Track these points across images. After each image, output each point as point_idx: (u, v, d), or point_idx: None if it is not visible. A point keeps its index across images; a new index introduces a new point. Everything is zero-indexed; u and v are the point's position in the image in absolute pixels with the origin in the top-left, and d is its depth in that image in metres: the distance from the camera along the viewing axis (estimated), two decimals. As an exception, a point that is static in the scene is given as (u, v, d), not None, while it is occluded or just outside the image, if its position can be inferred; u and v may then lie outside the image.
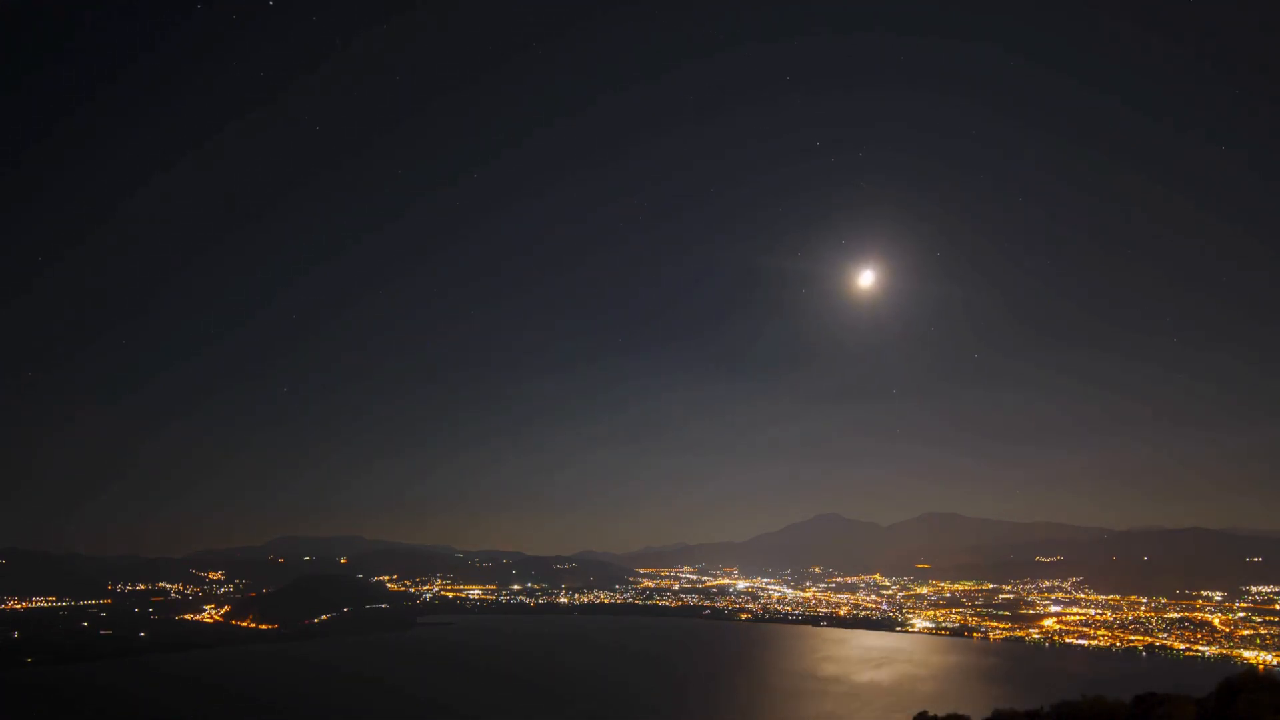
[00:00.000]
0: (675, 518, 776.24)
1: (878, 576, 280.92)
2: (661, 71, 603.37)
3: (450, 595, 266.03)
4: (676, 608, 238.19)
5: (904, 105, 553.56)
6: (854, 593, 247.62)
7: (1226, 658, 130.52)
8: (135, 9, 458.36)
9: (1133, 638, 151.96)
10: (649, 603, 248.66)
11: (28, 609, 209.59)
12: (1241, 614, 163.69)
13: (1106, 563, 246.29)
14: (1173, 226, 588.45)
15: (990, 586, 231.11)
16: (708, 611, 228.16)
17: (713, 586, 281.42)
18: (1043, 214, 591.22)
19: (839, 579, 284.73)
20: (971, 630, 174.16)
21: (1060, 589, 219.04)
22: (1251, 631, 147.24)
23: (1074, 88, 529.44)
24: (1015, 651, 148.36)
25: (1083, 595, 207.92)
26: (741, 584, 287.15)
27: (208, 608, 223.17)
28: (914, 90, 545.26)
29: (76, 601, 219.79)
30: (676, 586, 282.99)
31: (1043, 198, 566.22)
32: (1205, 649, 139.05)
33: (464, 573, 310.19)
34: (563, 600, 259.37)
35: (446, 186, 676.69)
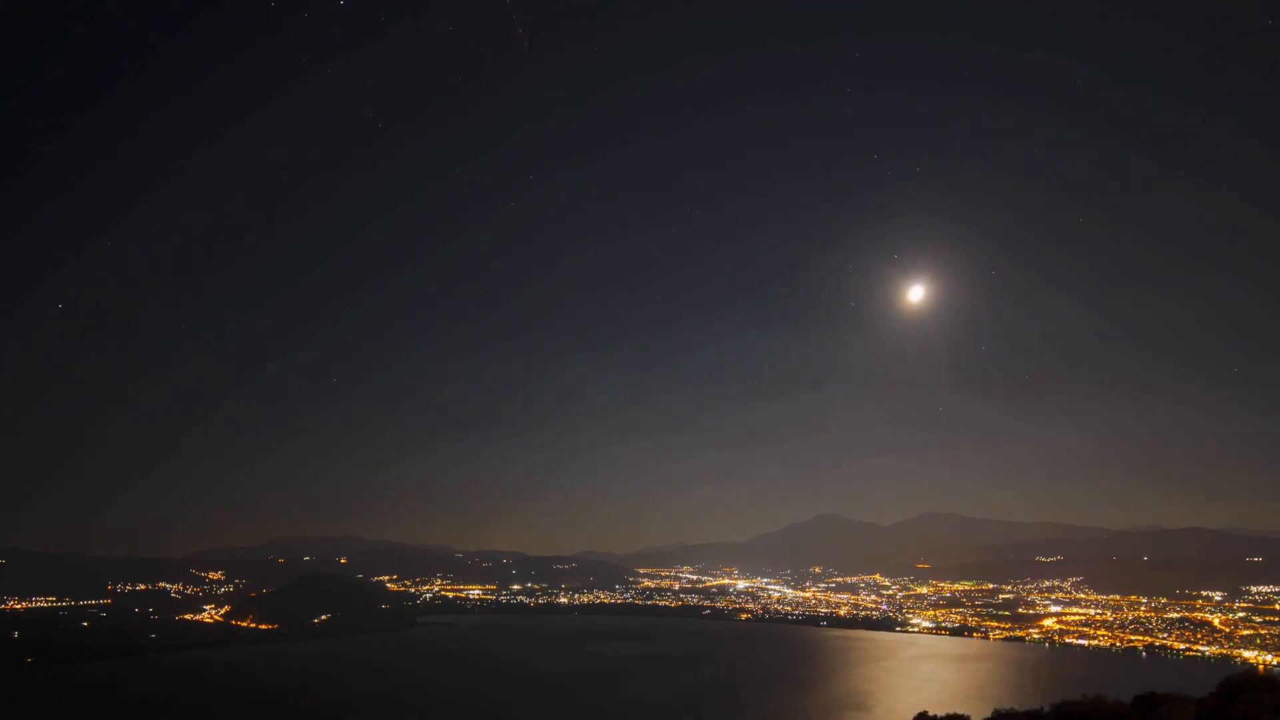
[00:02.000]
0: (675, 518, 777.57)
1: (878, 576, 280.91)
2: (710, 63, 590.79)
3: (450, 595, 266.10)
4: (676, 608, 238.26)
5: (964, 119, 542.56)
6: (854, 593, 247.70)
7: (1226, 658, 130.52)
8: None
9: (1133, 638, 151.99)
10: (649, 603, 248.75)
11: (28, 609, 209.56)
12: (1241, 614, 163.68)
13: (1106, 563, 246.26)
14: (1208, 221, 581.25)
15: (990, 586, 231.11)
16: (708, 611, 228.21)
17: (713, 586, 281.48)
18: (1105, 232, 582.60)
19: (839, 579, 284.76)
20: (972, 630, 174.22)
21: (1060, 589, 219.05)
22: (1251, 631, 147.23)
23: (1144, 104, 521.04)
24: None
25: (1083, 595, 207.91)
26: (741, 584, 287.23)
27: (208, 608, 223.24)
28: (975, 104, 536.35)
29: (76, 601, 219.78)
30: (677, 586, 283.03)
31: (1104, 215, 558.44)
32: (1205, 649, 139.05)
33: (464, 573, 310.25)
34: (563, 600, 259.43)
35: (442, 183, 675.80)
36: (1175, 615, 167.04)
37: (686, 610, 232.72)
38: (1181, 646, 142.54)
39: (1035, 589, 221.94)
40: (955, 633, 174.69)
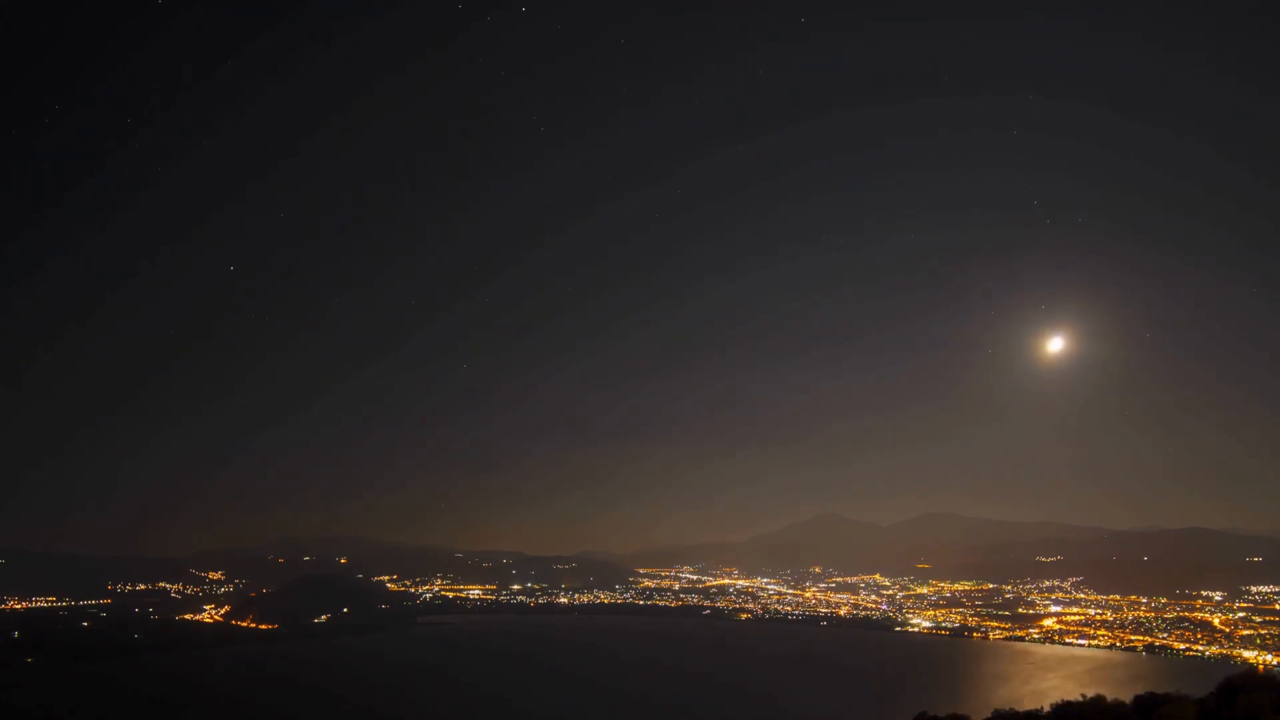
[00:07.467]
0: (675, 518, 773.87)
1: (878, 576, 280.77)
2: (870, 100, 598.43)
3: (450, 595, 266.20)
4: (676, 607, 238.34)
5: (1135, 178, 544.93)
6: (854, 593, 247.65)
7: (1226, 658, 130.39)
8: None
9: (1133, 638, 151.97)
10: (649, 603, 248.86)
11: (28, 609, 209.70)
12: (1241, 614, 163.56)
13: (1106, 563, 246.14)
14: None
15: (990, 586, 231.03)
16: (708, 611, 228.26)
17: (713, 586, 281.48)
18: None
19: (839, 579, 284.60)
20: (971, 630, 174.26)
21: (1060, 589, 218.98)
22: (1251, 631, 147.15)
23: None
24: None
25: (1083, 595, 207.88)
26: (741, 583, 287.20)
27: (208, 608, 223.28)
28: (1150, 167, 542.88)
29: (76, 601, 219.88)
30: (676, 586, 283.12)
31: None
32: (1205, 649, 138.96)
33: (464, 573, 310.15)
34: (563, 600, 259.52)
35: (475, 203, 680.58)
36: (1175, 615, 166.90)
37: (687, 610, 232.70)
38: (1181, 646, 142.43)
39: (1035, 589, 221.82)
40: (955, 633, 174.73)
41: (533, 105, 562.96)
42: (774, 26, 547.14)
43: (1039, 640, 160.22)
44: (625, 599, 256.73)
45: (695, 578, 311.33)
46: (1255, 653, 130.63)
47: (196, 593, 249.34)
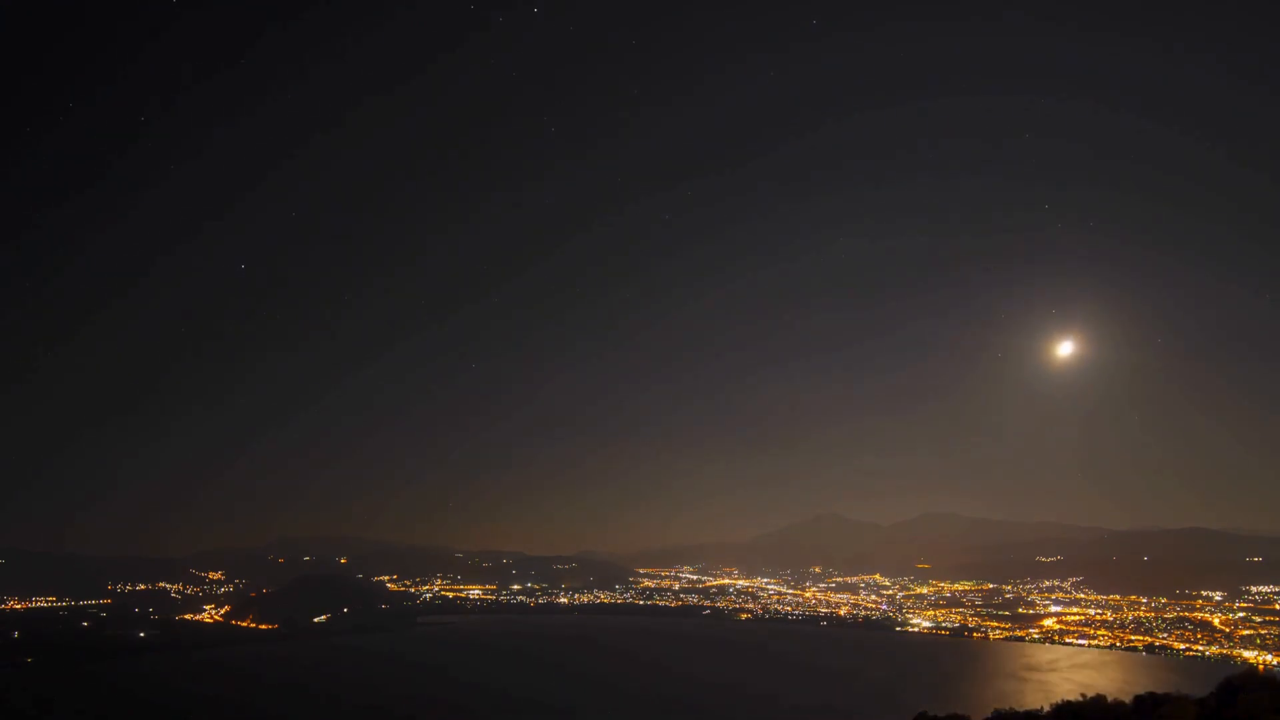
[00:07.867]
0: (675, 518, 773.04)
1: (878, 576, 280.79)
2: (882, 103, 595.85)
3: (450, 595, 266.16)
4: (677, 607, 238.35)
5: (1145, 181, 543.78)
6: (854, 593, 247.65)
7: (1226, 658, 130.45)
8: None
9: (1133, 638, 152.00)
10: (649, 603, 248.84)
11: (28, 609, 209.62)
12: (1241, 614, 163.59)
13: (1106, 563, 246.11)
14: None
15: (990, 586, 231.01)
16: (708, 611, 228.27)
17: (713, 586, 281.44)
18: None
19: (839, 579, 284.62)
20: (971, 630, 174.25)
21: (1060, 589, 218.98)
22: (1251, 631, 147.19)
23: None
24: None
25: (1083, 595, 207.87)
26: (741, 584, 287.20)
27: (208, 608, 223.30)
28: (1160, 170, 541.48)
29: (76, 601, 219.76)
30: (676, 586, 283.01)
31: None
32: (1205, 649, 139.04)
33: (464, 573, 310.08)
34: (563, 600, 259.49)
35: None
36: (1175, 615, 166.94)
37: (687, 610, 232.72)
38: (1181, 646, 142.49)
39: (1035, 589, 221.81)
40: (955, 633, 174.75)
41: (543, 106, 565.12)
42: (782, 28, 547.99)
43: (1039, 640, 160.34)
44: (625, 599, 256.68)
45: (695, 578, 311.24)
46: (1255, 653, 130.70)
47: (196, 593, 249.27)
